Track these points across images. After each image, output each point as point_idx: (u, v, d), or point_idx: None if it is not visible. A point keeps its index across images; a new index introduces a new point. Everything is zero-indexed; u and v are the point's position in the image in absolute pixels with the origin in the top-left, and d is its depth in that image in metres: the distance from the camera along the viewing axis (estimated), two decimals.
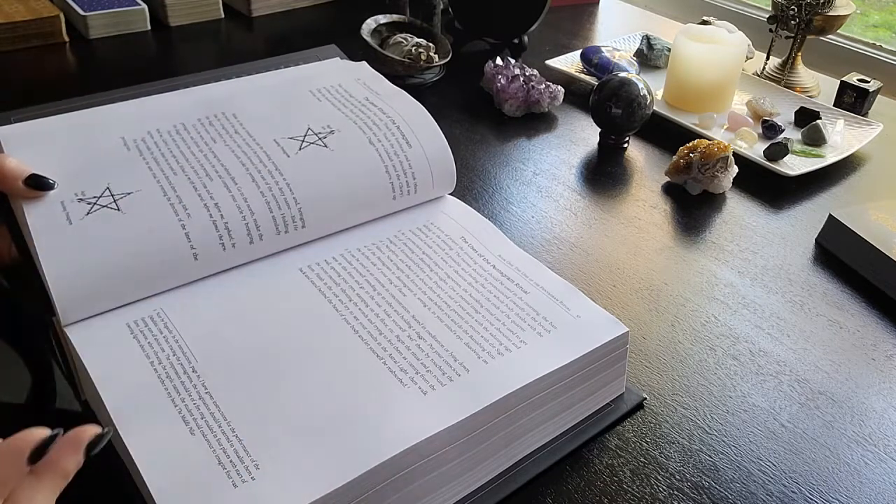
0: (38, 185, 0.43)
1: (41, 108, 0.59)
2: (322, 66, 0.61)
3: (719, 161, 0.69)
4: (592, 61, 0.91)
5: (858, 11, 1.05)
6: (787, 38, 0.93)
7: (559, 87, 0.84)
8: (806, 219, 0.69)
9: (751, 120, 0.83)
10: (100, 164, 0.46)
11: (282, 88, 0.56)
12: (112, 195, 0.44)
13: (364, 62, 0.62)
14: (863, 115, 0.85)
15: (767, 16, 0.93)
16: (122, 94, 0.58)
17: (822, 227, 0.65)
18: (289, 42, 0.98)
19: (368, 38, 0.85)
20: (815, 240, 0.66)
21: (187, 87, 0.56)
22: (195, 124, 0.51)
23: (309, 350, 0.41)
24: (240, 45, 0.99)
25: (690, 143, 0.71)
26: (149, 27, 0.97)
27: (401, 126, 0.54)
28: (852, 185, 0.76)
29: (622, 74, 0.76)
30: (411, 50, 0.85)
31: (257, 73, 0.60)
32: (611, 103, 0.74)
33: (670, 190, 0.72)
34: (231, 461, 0.35)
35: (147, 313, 0.43)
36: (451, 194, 0.57)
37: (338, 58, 0.64)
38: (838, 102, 0.88)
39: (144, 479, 0.34)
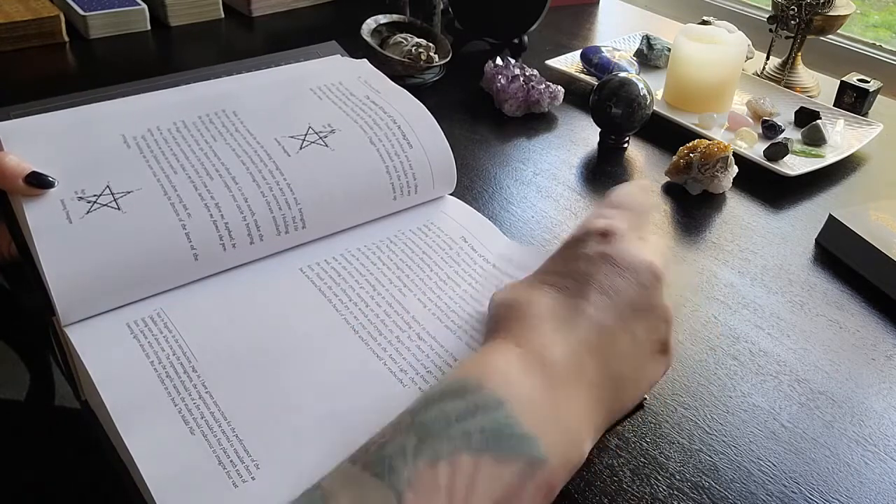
0: (39, 182, 0.43)
1: (40, 103, 0.58)
2: (323, 63, 0.61)
3: (719, 161, 0.69)
4: (592, 61, 0.91)
5: (858, 11, 1.05)
6: (787, 38, 0.93)
7: (559, 87, 0.84)
8: (806, 219, 0.69)
9: (751, 120, 0.83)
10: (100, 161, 0.46)
11: (282, 86, 0.56)
12: (112, 194, 0.44)
13: (365, 59, 0.62)
14: (863, 115, 0.85)
15: (767, 16, 0.93)
16: (122, 90, 0.58)
17: (822, 227, 0.65)
18: (289, 42, 0.98)
19: (368, 38, 0.85)
20: (815, 240, 0.66)
21: (188, 83, 0.56)
22: (195, 122, 0.51)
23: (309, 350, 0.41)
24: (240, 45, 0.99)
25: (690, 143, 0.71)
26: (149, 27, 0.97)
27: (402, 126, 0.54)
28: (852, 185, 0.76)
29: (622, 74, 0.76)
30: (411, 50, 0.85)
31: (258, 69, 0.59)
32: (611, 103, 0.74)
33: (670, 190, 0.72)
34: (231, 461, 0.35)
35: (147, 313, 0.43)
36: (451, 194, 0.57)
37: (338, 55, 0.64)
38: (838, 102, 0.88)
39: (144, 478, 0.34)
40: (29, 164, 0.43)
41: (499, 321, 0.35)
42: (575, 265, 0.38)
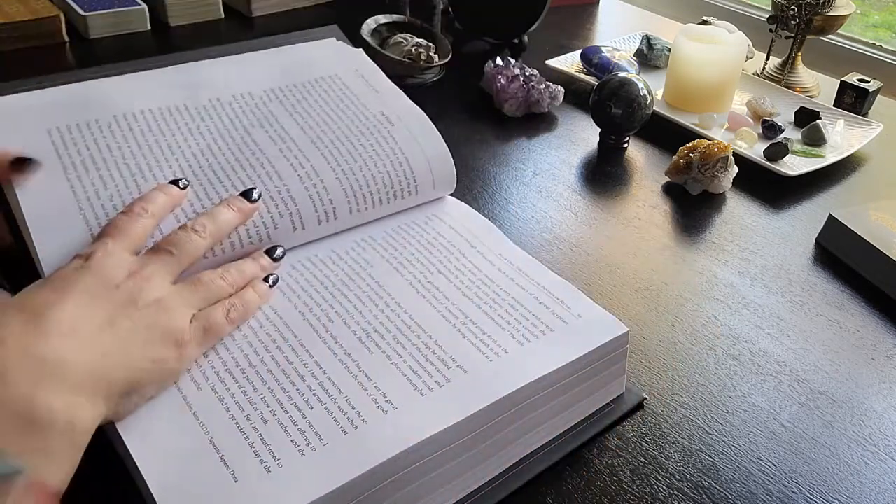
0: (24, 167, 0.43)
1: (31, 81, 0.57)
2: (317, 49, 0.60)
3: (719, 161, 0.69)
4: (592, 61, 0.91)
5: (858, 11, 1.05)
6: (787, 38, 0.93)
7: (559, 87, 0.84)
8: (806, 219, 0.69)
9: (751, 120, 0.83)
10: (100, 146, 0.46)
11: (279, 79, 0.55)
12: (114, 184, 0.44)
13: (361, 49, 0.62)
14: (863, 115, 0.85)
15: (767, 16, 0.93)
16: (113, 70, 0.56)
17: (822, 227, 0.65)
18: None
19: (368, 39, 0.85)
20: (815, 240, 0.66)
21: (186, 62, 0.55)
22: (196, 109, 0.50)
23: (308, 350, 0.41)
24: None
25: (690, 143, 0.71)
26: (149, 27, 0.97)
27: (400, 130, 0.54)
28: (852, 185, 0.76)
29: (622, 74, 0.76)
30: (411, 50, 0.85)
31: (254, 50, 0.58)
32: (611, 103, 0.74)
33: (670, 190, 0.72)
34: (233, 459, 0.35)
35: None
36: (451, 195, 0.57)
37: (334, 38, 0.63)
38: (838, 102, 0.88)
39: (145, 479, 0.34)
40: (10, 149, 0.43)
41: None
42: None
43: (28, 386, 0.30)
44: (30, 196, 0.42)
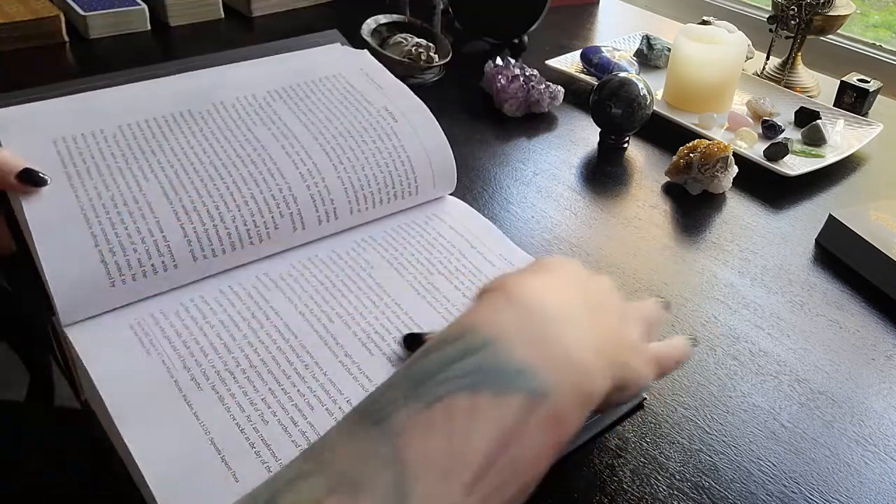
0: (31, 180, 0.42)
1: (42, 90, 0.57)
2: (323, 52, 0.61)
3: (719, 161, 0.69)
4: (592, 61, 0.91)
5: (858, 11, 1.05)
6: (787, 38, 0.93)
7: (559, 87, 0.84)
8: (806, 219, 0.69)
9: (751, 120, 0.83)
10: (103, 152, 0.46)
11: (283, 79, 0.56)
12: (116, 189, 0.44)
13: (365, 50, 0.62)
14: (863, 115, 0.85)
15: (767, 16, 0.93)
16: (124, 77, 0.57)
17: (822, 227, 0.65)
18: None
19: (368, 39, 0.85)
20: (815, 240, 0.66)
21: (187, 70, 0.55)
22: (194, 112, 0.50)
23: (309, 351, 0.41)
24: (240, 45, 0.99)
25: (690, 143, 0.71)
26: (149, 27, 0.97)
27: (403, 126, 0.54)
28: (852, 185, 0.76)
29: (622, 74, 0.76)
30: (411, 50, 0.85)
31: (258, 57, 0.58)
32: (611, 103, 0.74)
33: (670, 190, 0.72)
34: (234, 459, 0.35)
35: (148, 313, 0.43)
36: (451, 194, 0.57)
37: (338, 43, 0.64)
38: (838, 102, 0.88)
39: (145, 478, 0.34)
40: (22, 160, 0.42)
41: (484, 289, 0.34)
42: None
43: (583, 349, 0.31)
44: (33, 201, 0.42)
